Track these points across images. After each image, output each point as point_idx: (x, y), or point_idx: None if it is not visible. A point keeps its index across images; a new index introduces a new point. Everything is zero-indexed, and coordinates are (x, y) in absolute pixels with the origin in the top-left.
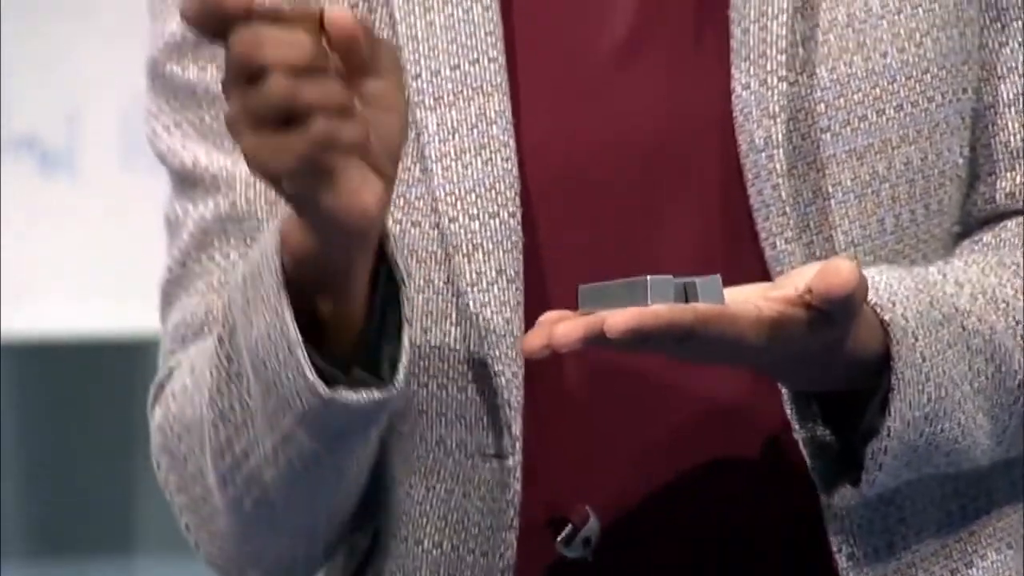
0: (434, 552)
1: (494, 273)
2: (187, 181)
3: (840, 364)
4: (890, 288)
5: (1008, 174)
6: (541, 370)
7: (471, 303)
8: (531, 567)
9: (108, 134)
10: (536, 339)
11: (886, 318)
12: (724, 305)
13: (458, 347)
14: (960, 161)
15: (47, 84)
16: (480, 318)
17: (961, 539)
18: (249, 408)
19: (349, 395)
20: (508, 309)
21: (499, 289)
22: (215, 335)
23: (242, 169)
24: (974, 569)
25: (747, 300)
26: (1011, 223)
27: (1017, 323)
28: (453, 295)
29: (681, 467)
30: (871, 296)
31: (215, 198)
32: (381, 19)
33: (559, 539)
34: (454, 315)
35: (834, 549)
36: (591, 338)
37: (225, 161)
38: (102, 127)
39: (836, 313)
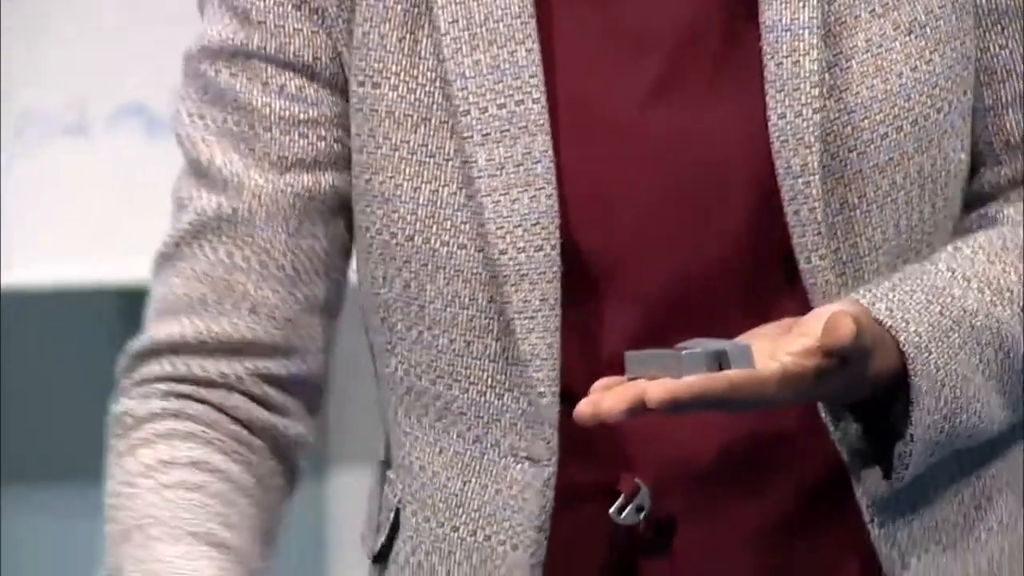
0: (468, 539)
1: (538, 302)
2: (199, 171)
3: (863, 387)
4: (903, 306)
5: (1012, 163)
6: (581, 369)
7: (518, 329)
8: (582, 537)
9: None
10: (586, 408)
11: (900, 339)
12: (753, 370)
13: (498, 360)
14: (963, 157)
15: (155, 53)
16: (526, 343)
17: (971, 485)
18: None
19: None
20: (549, 335)
21: (543, 316)
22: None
23: (252, 177)
24: (983, 511)
25: (772, 353)
26: (1013, 195)
27: (1019, 307)
28: (495, 313)
29: (722, 436)
30: (886, 319)
31: (219, 197)
32: (426, 49)
33: (612, 509)
34: (495, 330)
35: (862, 507)
36: (634, 409)
37: (237, 165)
38: None
39: (850, 356)
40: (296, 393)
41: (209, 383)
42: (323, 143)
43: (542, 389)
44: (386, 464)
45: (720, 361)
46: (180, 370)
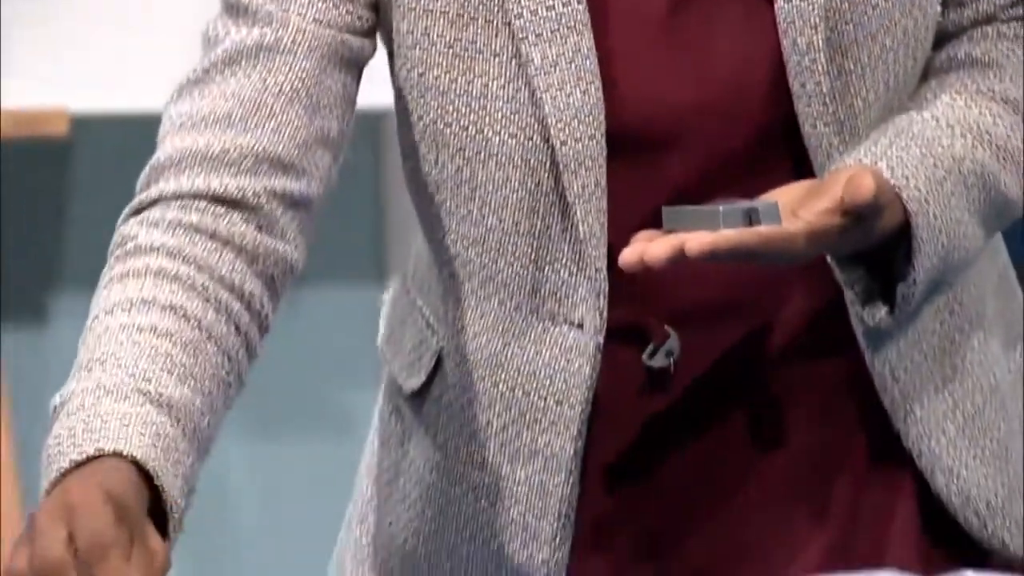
0: (507, 394)
1: (593, 186)
2: (237, 8)
3: (872, 239)
4: (902, 163)
5: (974, 5)
6: (623, 237)
7: (579, 212)
8: (617, 379)
9: None
10: (632, 255)
11: (904, 195)
12: (780, 227)
13: (542, 237)
14: (938, 9)
15: None
16: (584, 224)
17: (944, 293)
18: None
19: None
20: (603, 216)
21: (596, 199)
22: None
23: (295, 20)
24: (956, 316)
25: (795, 211)
26: (976, 34)
27: (998, 148)
28: (540, 195)
29: (732, 280)
30: (889, 177)
31: (261, 29)
32: None
33: (644, 354)
34: (540, 211)
35: (858, 334)
36: (675, 257)
37: (279, 10)
38: None
39: (865, 213)
40: (299, 216)
41: (224, 200)
42: (350, 16)
43: (598, 265)
44: (419, 292)
45: (751, 217)
46: (197, 185)
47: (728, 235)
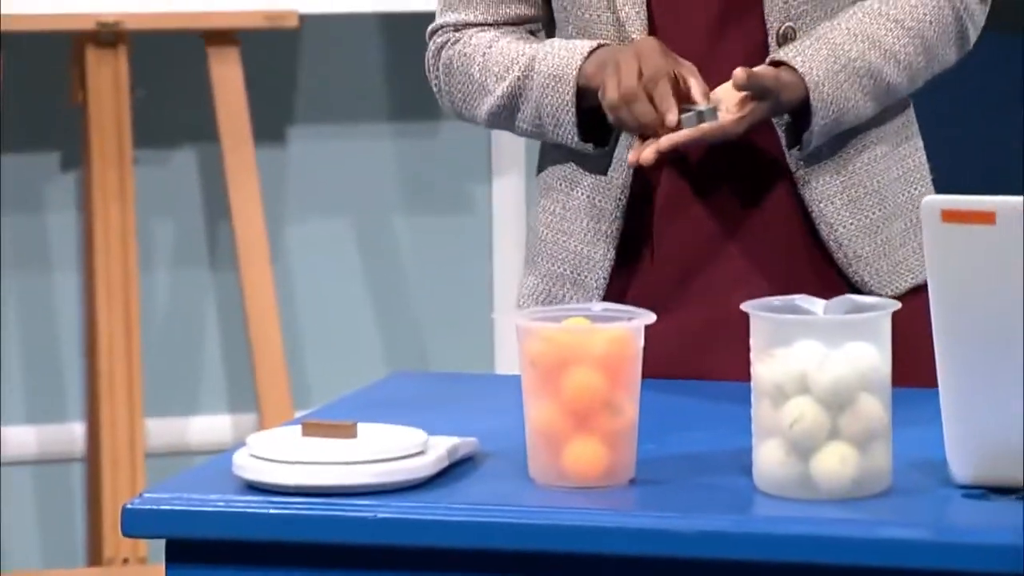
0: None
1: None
2: None
3: (784, 108)
4: (810, 58)
5: None
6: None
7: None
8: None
9: None
10: (632, 156)
11: (806, 79)
12: (717, 122)
13: (610, 26)
14: None
15: None
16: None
17: (851, 136)
18: (526, 116)
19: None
20: (642, 24)
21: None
22: (520, 65)
23: None
24: (852, 139)
25: (727, 104)
26: None
27: (885, 52)
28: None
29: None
30: (798, 66)
31: None
32: None
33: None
34: (607, 20)
35: (790, 161)
36: (659, 156)
37: None
38: None
39: (761, 91)
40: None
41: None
42: None
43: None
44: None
45: (702, 117)
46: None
47: (684, 133)
